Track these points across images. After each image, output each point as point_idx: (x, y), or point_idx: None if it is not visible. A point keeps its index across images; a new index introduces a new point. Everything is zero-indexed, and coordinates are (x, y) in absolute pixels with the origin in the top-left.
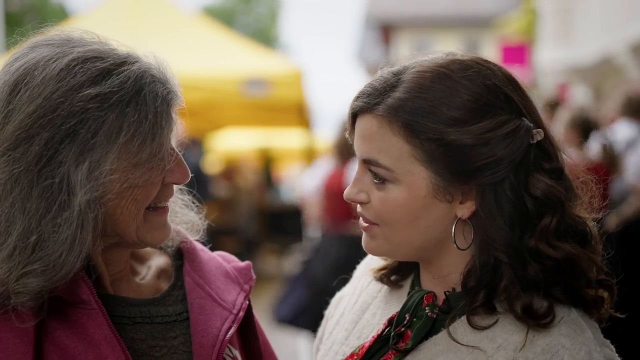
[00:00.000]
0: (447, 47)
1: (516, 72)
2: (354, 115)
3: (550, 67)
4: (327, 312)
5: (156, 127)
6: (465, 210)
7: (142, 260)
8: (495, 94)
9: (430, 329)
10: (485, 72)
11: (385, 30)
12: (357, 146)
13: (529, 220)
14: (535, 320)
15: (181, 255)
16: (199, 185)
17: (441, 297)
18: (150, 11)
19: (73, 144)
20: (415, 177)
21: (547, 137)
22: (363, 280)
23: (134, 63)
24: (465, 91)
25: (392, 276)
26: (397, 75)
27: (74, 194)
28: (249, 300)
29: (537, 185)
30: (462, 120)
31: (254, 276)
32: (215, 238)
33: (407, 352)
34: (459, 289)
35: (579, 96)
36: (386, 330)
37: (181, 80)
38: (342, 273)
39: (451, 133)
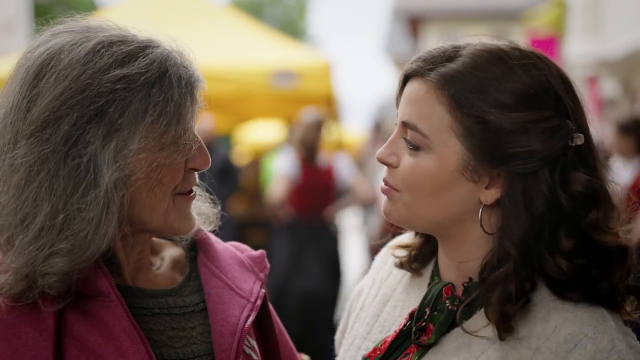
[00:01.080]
0: (475, 40)
1: None
2: (406, 78)
3: (579, 60)
4: (348, 306)
5: (182, 108)
6: (489, 195)
7: (155, 252)
8: (546, 89)
9: (452, 322)
10: (542, 66)
11: (414, 23)
12: (401, 108)
13: (563, 217)
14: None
15: (194, 247)
16: (229, 178)
17: (459, 288)
18: (179, 3)
19: (100, 124)
20: (448, 150)
21: (589, 145)
22: (382, 272)
23: (157, 47)
24: (517, 79)
25: (412, 264)
26: (457, 49)
27: (101, 174)
28: (265, 289)
29: (577, 180)
30: (507, 105)
31: (268, 265)
32: (243, 230)
33: (429, 346)
34: (476, 278)
35: (608, 90)
36: (407, 325)
37: (209, 72)
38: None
39: (492, 114)
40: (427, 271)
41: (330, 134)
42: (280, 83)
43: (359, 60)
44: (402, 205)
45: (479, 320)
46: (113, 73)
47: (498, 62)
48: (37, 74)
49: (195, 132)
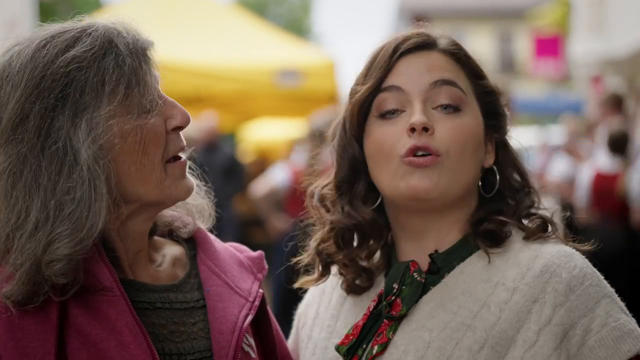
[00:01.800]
0: (480, 39)
1: (549, 64)
2: (400, 53)
3: (584, 59)
4: (297, 322)
5: (137, 69)
6: (490, 159)
7: (157, 249)
8: None
9: (420, 293)
10: None
11: (418, 21)
12: (423, 75)
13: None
14: (536, 235)
15: (194, 245)
16: (235, 177)
17: (423, 264)
18: (184, 2)
19: (65, 108)
20: (475, 107)
21: None
22: (330, 280)
23: (97, 26)
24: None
25: (356, 280)
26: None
27: (79, 153)
28: (263, 290)
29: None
30: (485, 74)
31: (267, 266)
32: (246, 228)
33: (401, 318)
34: (441, 249)
35: (613, 89)
36: (376, 306)
37: (214, 71)
38: None
39: (486, 78)
40: (378, 277)
41: None
42: (285, 82)
43: (364, 58)
44: (447, 171)
45: (450, 280)
46: (61, 58)
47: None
48: None
49: (163, 93)
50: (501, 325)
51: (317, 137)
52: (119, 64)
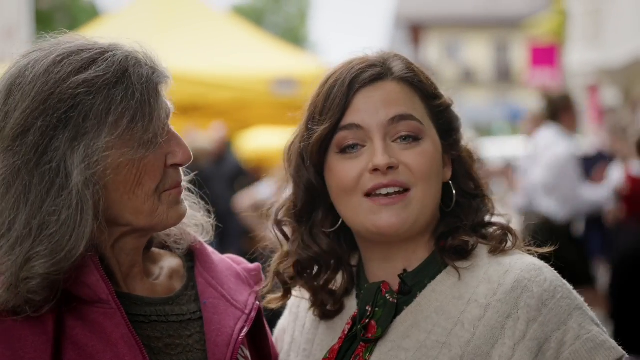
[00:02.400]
0: (476, 48)
1: (545, 73)
2: (359, 86)
3: (580, 68)
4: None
5: (144, 104)
6: (448, 173)
7: (154, 261)
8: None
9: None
10: None
11: (415, 30)
12: (380, 111)
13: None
14: (500, 248)
15: (192, 257)
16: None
17: (394, 284)
18: (181, 10)
19: (66, 129)
20: (433, 132)
21: None
22: (303, 304)
23: (117, 50)
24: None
25: (335, 304)
26: (377, 54)
27: (70, 176)
28: (260, 302)
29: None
30: (437, 87)
31: (264, 277)
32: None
33: (377, 340)
34: (410, 268)
35: (609, 98)
36: (351, 329)
37: (211, 79)
38: None
39: (439, 94)
40: (349, 297)
41: None
42: (281, 90)
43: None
44: (416, 202)
45: (423, 299)
46: (73, 79)
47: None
48: (7, 94)
49: (171, 128)
50: (476, 342)
51: None
52: (127, 96)
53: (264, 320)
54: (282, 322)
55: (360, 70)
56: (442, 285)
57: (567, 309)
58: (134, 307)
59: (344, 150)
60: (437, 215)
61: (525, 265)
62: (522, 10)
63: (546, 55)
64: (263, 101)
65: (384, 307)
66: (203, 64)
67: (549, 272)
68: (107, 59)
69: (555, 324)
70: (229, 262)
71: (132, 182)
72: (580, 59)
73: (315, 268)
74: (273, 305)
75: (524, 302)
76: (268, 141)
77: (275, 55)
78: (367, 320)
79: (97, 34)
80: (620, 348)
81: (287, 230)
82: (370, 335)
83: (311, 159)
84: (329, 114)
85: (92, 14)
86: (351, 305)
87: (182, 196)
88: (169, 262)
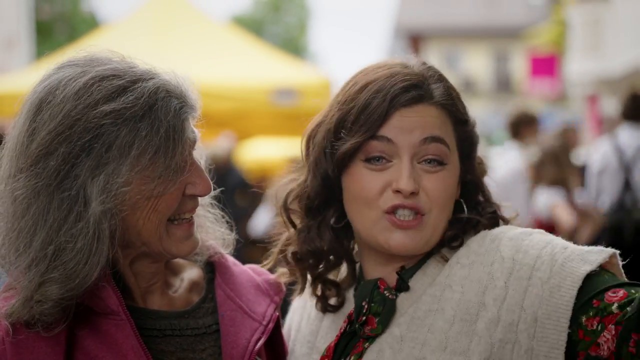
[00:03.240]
0: (476, 58)
1: (545, 83)
2: (399, 105)
3: (580, 78)
4: (286, 335)
5: (168, 141)
6: (458, 190)
7: (176, 272)
8: None
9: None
10: None
11: (414, 41)
12: (415, 131)
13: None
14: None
15: (213, 268)
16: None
17: (390, 281)
18: (180, 20)
19: (88, 158)
20: (456, 157)
21: None
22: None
23: (149, 80)
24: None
25: (337, 299)
26: (410, 68)
27: (89, 206)
28: (279, 312)
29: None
30: (466, 109)
31: (284, 288)
32: (244, 247)
33: (377, 335)
34: (408, 265)
35: (608, 108)
36: (347, 326)
37: (210, 90)
38: None
39: (470, 118)
40: (348, 291)
41: None
42: (281, 100)
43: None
44: (429, 227)
45: (418, 282)
46: (101, 108)
47: (445, 76)
48: (37, 109)
49: (196, 159)
50: (466, 297)
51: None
52: (152, 131)
53: (281, 329)
54: (293, 306)
55: (402, 89)
56: (432, 268)
57: (546, 238)
58: (148, 321)
59: (370, 160)
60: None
61: (500, 228)
62: (522, 21)
63: (546, 65)
64: (263, 111)
65: (383, 304)
66: (203, 75)
67: (521, 227)
68: (137, 90)
69: (540, 245)
70: (250, 274)
71: (149, 208)
72: (580, 69)
73: (313, 261)
74: (284, 279)
75: (504, 245)
76: (268, 151)
77: (275, 65)
78: (364, 318)
79: (96, 45)
80: (610, 248)
81: (294, 217)
82: (370, 330)
83: (336, 164)
84: (364, 127)
85: (92, 24)
86: (350, 300)
87: (198, 222)
88: (190, 274)
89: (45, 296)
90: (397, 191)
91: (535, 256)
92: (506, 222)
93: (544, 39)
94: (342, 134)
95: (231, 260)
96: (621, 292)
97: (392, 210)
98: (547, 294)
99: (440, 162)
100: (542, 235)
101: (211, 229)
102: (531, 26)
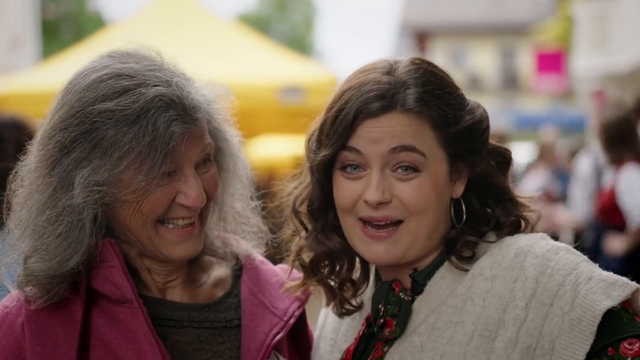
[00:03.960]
0: (482, 54)
1: (551, 79)
2: (364, 116)
3: (586, 74)
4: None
5: (151, 150)
6: (458, 189)
7: (204, 269)
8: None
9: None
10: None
11: (421, 37)
12: (382, 142)
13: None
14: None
15: (241, 266)
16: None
17: (405, 282)
18: (187, 19)
19: (77, 151)
20: (439, 162)
21: None
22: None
23: (153, 86)
24: (450, 82)
25: (345, 305)
26: (391, 74)
27: (72, 196)
28: (304, 310)
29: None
30: (457, 106)
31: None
32: None
33: (395, 338)
34: (420, 267)
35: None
36: (366, 330)
37: None
38: None
39: (462, 115)
40: (366, 289)
41: None
42: (287, 98)
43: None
44: (408, 234)
45: (435, 286)
46: (97, 106)
47: (435, 71)
48: (65, 91)
49: (192, 170)
50: (487, 312)
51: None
52: (137, 137)
53: (308, 328)
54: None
55: (366, 101)
56: (450, 271)
57: (574, 260)
58: (165, 312)
59: (345, 167)
60: (447, 222)
61: (528, 237)
62: (528, 17)
63: (552, 62)
64: (270, 109)
65: (400, 306)
66: (209, 73)
67: (550, 240)
68: (136, 94)
69: (565, 271)
70: (276, 271)
71: (133, 208)
72: (586, 64)
73: (329, 264)
74: (293, 292)
75: (529, 263)
76: (275, 150)
77: (281, 63)
78: (382, 320)
79: (103, 44)
80: (634, 282)
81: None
82: (389, 333)
83: (320, 174)
84: (333, 140)
85: (99, 23)
86: (368, 302)
87: (193, 234)
88: (218, 271)
89: (31, 270)
90: (366, 202)
91: (559, 283)
92: (528, 224)
93: (550, 35)
94: (314, 146)
95: (259, 258)
96: (637, 346)
97: (364, 221)
98: (567, 325)
99: (414, 169)
100: (569, 255)
101: (251, 218)
102: (537, 22)
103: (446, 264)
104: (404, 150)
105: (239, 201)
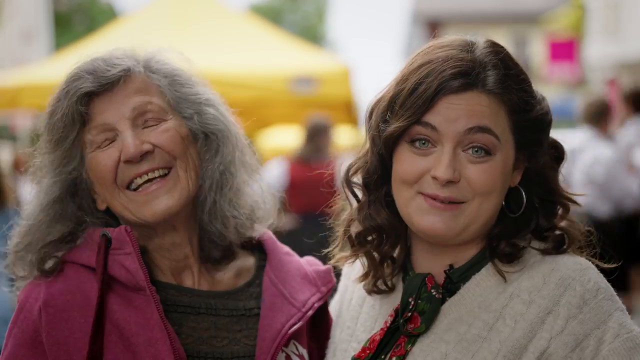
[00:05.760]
0: None
1: (565, 67)
2: (446, 92)
3: (599, 62)
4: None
5: (65, 117)
6: (517, 177)
7: (230, 258)
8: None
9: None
10: None
11: (433, 27)
12: (460, 120)
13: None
14: (557, 249)
15: (265, 257)
16: None
17: (439, 277)
18: (198, 10)
19: (45, 132)
20: (509, 147)
21: None
22: (354, 275)
23: (82, 65)
24: (526, 72)
25: (385, 283)
26: (472, 52)
27: (46, 174)
28: (326, 303)
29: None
30: (533, 95)
31: (334, 280)
32: None
33: (419, 334)
34: (457, 265)
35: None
36: (394, 321)
37: (229, 78)
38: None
39: (531, 105)
40: (397, 277)
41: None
42: (299, 88)
43: (379, 64)
44: (469, 214)
45: (466, 294)
46: (57, 92)
47: (512, 57)
48: None
49: (124, 126)
50: (515, 335)
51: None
52: (57, 109)
53: (329, 317)
54: (337, 291)
55: (451, 76)
56: (487, 280)
57: (608, 309)
58: (183, 299)
59: (414, 141)
60: (495, 218)
61: (571, 264)
62: (541, 5)
63: (565, 50)
64: (282, 100)
65: (429, 302)
66: (221, 64)
67: (594, 273)
68: (71, 75)
69: (595, 322)
70: (299, 263)
71: (94, 178)
72: (599, 52)
73: (377, 237)
74: (341, 264)
75: (566, 300)
76: (288, 139)
77: (293, 53)
78: (409, 314)
79: (115, 35)
80: None
81: (357, 191)
82: (413, 329)
83: (384, 145)
84: (408, 112)
85: (110, 15)
86: (398, 289)
87: (163, 190)
88: (242, 261)
89: (22, 243)
90: (435, 178)
91: (586, 334)
92: (572, 241)
93: (562, 24)
94: (387, 117)
95: (283, 249)
96: None
97: (429, 195)
98: None
99: (487, 152)
100: (605, 302)
101: (251, 200)
102: (550, 11)
103: (484, 270)
104: (480, 131)
105: (247, 186)
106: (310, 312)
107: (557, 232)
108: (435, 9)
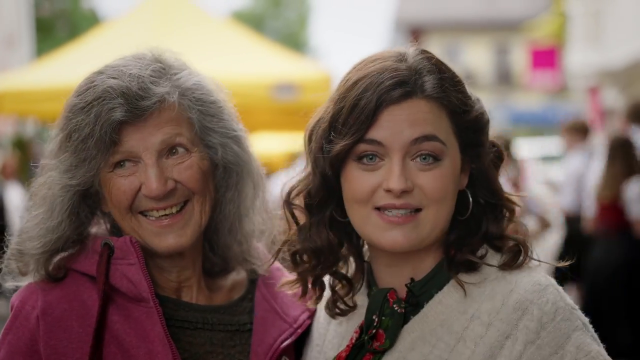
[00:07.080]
0: (476, 51)
1: (546, 75)
2: (387, 104)
3: (581, 70)
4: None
5: (89, 140)
6: (465, 180)
7: (228, 270)
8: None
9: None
10: None
11: (415, 34)
12: (405, 131)
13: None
14: (512, 265)
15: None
16: None
17: (401, 290)
18: (180, 16)
19: (57, 141)
20: (455, 151)
21: None
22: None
23: (108, 79)
24: (455, 70)
25: (347, 303)
26: (405, 61)
27: (53, 182)
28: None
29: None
30: (469, 95)
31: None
32: None
33: (384, 350)
34: (417, 277)
35: (610, 99)
36: (359, 338)
37: None
38: None
39: (472, 104)
40: (360, 292)
41: None
42: (281, 96)
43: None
44: (428, 222)
45: (430, 310)
46: (70, 100)
47: (443, 61)
48: None
49: (152, 160)
50: (475, 358)
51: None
52: (82, 127)
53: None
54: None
55: (389, 87)
56: (449, 298)
57: (566, 331)
58: (180, 313)
59: (362, 158)
60: (449, 223)
61: (530, 285)
62: (522, 13)
63: (547, 58)
64: (263, 107)
65: (392, 318)
66: (203, 70)
67: (553, 293)
68: (93, 87)
69: (552, 347)
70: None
71: (109, 197)
72: (581, 60)
73: (313, 260)
74: (288, 289)
75: (523, 324)
76: (269, 146)
77: (275, 60)
78: (374, 331)
79: (97, 42)
80: None
81: (297, 213)
82: (377, 345)
83: (330, 165)
84: (352, 129)
85: (93, 21)
86: (364, 305)
87: (176, 227)
88: (236, 273)
89: (24, 247)
90: (388, 190)
91: (544, 359)
92: (527, 252)
93: (544, 32)
94: (332, 137)
95: (275, 265)
96: None
97: (383, 209)
98: None
99: (435, 158)
100: (563, 323)
101: (259, 232)
102: (531, 18)
103: (445, 288)
104: (426, 139)
105: (252, 203)
106: (301, 330)
107: (512, 243)
108: (418, 16)
